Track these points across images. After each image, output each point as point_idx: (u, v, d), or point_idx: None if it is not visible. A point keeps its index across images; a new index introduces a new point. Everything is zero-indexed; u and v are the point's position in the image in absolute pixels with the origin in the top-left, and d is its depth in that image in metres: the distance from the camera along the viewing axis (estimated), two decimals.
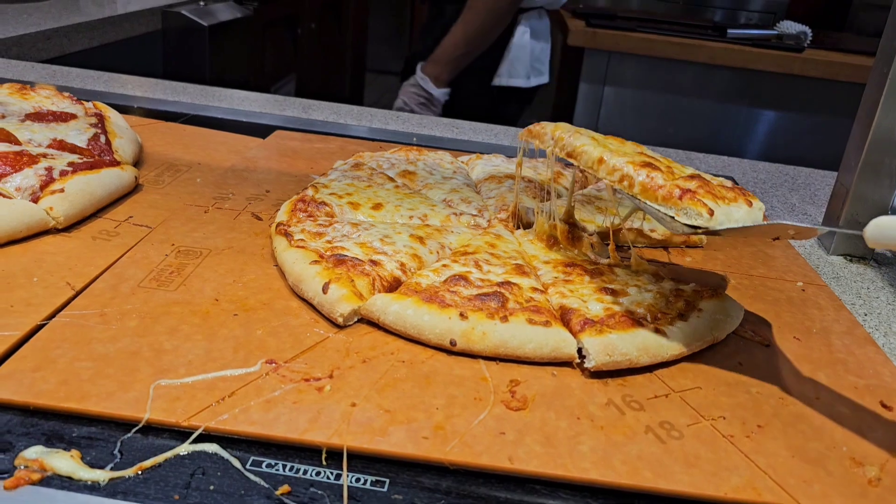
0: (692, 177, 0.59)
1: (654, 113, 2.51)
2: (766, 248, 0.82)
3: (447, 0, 1.85)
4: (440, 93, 1.79)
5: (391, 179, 0.85)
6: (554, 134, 0.70)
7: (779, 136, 2.49)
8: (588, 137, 0.67)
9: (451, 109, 1.82)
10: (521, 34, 1.82)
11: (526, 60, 1.84)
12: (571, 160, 0.66)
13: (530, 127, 0.75)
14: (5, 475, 0.43)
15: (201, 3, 2.31)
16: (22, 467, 0.43)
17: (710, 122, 2.51)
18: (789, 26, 2.39)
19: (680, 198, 0.56)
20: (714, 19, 3.44)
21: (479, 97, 1.86)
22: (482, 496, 0.45)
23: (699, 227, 0.55)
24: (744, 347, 0.62)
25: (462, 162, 0.95)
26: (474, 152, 1.01)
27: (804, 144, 2.45)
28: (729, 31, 2.42)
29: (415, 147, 0.98)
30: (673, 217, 0.56)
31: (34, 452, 0.44)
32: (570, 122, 2.34)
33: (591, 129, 2.34)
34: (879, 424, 0.54)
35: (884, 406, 0.56)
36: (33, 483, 0.42)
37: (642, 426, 0.51)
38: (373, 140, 1.09)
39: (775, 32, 2.40)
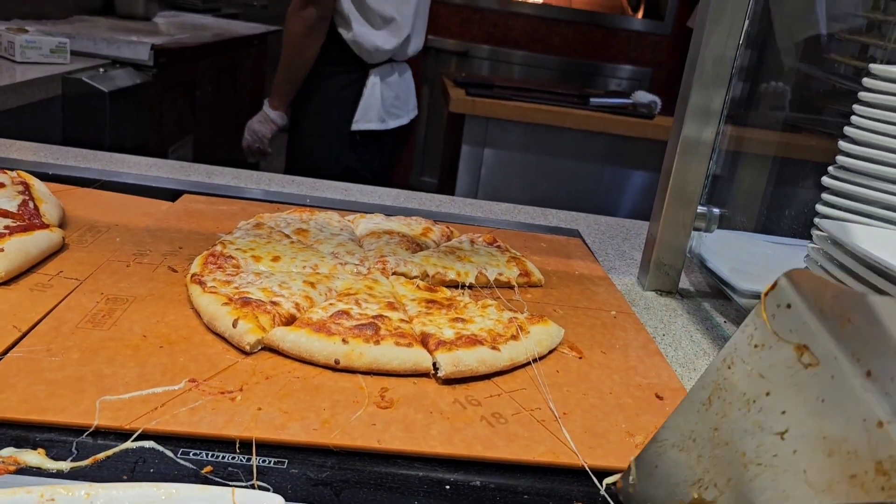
0: None
1: (531, 173, 2.78)
2: (591, 286, 1.03)
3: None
4: (275, 115, 2.33)
5: (287, 236, 1.01)
6: None
7: (643, 193, 2.81)
8: None
9: (316, 154, 2.30)
10: (372, 85, 2.24)
11: (377, 107, 2.24)
12: None
13: None
14: None
15: (101, 70, 2.41)
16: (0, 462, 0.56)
17: (585, 182, 2.80)
18: (642, 96, 2.73)
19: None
20: (585, 88, 3.81)
21: (340, 142, 2.27)
22: (357, 469, 0.61)
23: None
24: (562, 360, 0.81)
25: (348, 220, 1.13)
26: (359, 212, 1.19)
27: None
28: (591, 99, 2.73)
29: (307, 208, 1.14)
30: None
31: (7, 451, 0.57)
32: (454, 181, 2.59)
33: (473, 188, 2.60)
34: (652, 409, 0.74)
35: (658, 397, 0.76)
36: (10, 472, 0.55)
37: (478, 416, 0.68)
38: (271, 202, 1.25)
39: (630, 101, 2.74)
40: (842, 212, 0.82)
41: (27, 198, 0.98)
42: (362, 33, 2.18)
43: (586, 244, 1.25)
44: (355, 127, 2.24)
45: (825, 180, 0.86)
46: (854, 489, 0.40)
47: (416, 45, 2.35)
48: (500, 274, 0.98)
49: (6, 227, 0.87)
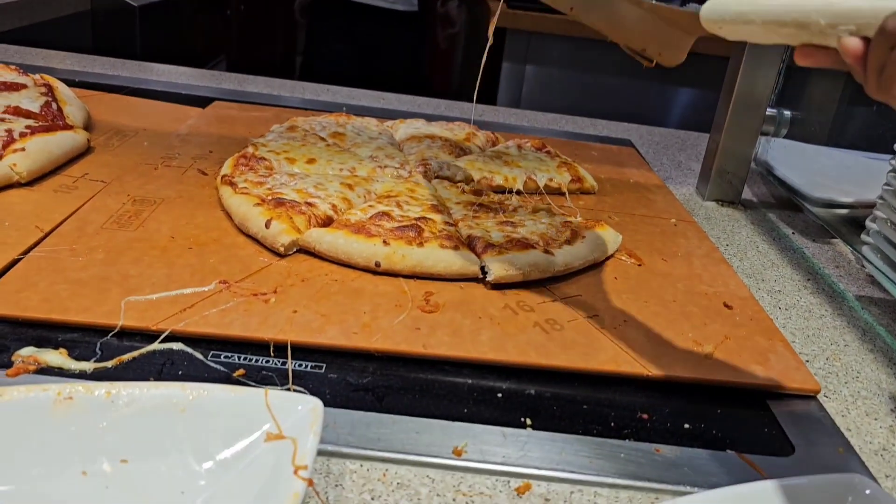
0: None
1: (575, 90, 2.65)
2: (648, 194, 0.96)
3: None
4: None
5: (323, 139, 0.95)
6: None
7: (693, 110, 2.67)
8: None
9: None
10: None
11: None
12: None
13: None
14: (6, 368, 0.52)
15: None
16: (19, 361, 0.52)
17: (630, 98, 2.66)
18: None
19: None
20: None
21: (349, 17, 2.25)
22: (401, 375, 0.56)
23: None
24: (621, 266, 0.75)
25: (387, 126, 1.06)
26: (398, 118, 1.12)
27: (711, 114, 2.63)
28: None
29: (344, 113, 1.08)
30: None
31: (28, 351, 0.53)
32: (494, 99, 2.46)
33: (513, 106, 2.49)
34: (720, 318, 0.67)
35: (726, 306, 0.70)
36: (30, 372, 0.52)
37: (531, 322, 0.63)
38: (306, 109, 1.18)
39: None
40: None
41: (50, 99, 0.93)
42: None
43: (640, 154, 1.17)
44: None
45: None
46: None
47: None
48: (551, 179, 0.91)
49: (28, 127, 0.82)
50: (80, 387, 0.44)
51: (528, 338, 0.60)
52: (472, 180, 0.87)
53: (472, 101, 0.99)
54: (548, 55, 2.57)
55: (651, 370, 0.58)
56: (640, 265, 0.75)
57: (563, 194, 0.91)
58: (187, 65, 2.68)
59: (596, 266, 0.74)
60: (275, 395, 0.45)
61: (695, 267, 0.77)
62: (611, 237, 0.76)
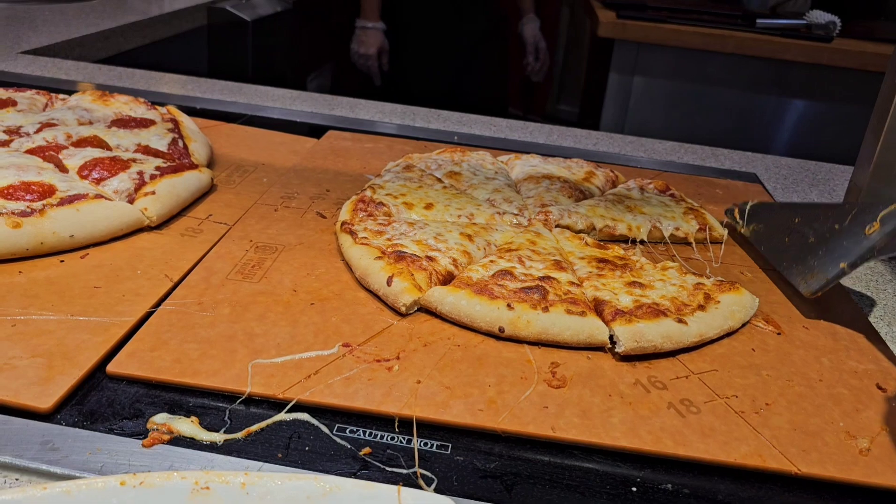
0: None
1: (684, 103, 2.55)
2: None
3: None
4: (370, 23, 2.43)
5: (439, 180, 0.93)
6: None
7: (808, 126, 2.52)
8: None
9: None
10: None
11: None
12: None
13: None
14: (141, 436, 0.52)
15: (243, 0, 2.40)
16: (153, 430, 0.53)
17: (740, 113, 2.54)
18: (818, 16, 2.42)
19: None
20: (747, 7, 3.46)
21: None
22: (529, 459, 0.54)
23: None
24: (758, 335, 0.70)
25: (502, 162, 1.03)
26: (512, 151, 1.09)
27: (833, 135, 2.46)
28: (758, 20, 2.45)
29: (458, 148, 1.06)
30: None
31: (162, 418, 0.54)
32: (599, 112, 2.39)
33: (619, 119, 2.42)
34: (874, 403, 0.62)
35: (879, 388, 0.64)
36: (164, 442, 0.52)
37: (665, 402, 0.59)
38: (417, 139, 1.17)
39: (804, 22, 2.43)
40: None
41: (177, 136, 0.95)
42: None
43: (767, 191, 1.10)
44: None
45: None
46: None
47: None
48: (677, 228, 0.86)
49: (157, 168, 0.84)
50: (215, 477, 0.44)
51: (662, 422, 0.57)
52: (595, 229, 0.84)
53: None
54: (656, 66, 2.48)
55: (800, 467, 0.54)
56: (779, 334, 0.70)
57: (689, 244, 0.86)
58: (295, 74, 2.74)
59: (732, 334, 0.69)
60: (407, 494, 0.44)
61: (840, 336, 0.71)
62: (747, 301, 0.71)
